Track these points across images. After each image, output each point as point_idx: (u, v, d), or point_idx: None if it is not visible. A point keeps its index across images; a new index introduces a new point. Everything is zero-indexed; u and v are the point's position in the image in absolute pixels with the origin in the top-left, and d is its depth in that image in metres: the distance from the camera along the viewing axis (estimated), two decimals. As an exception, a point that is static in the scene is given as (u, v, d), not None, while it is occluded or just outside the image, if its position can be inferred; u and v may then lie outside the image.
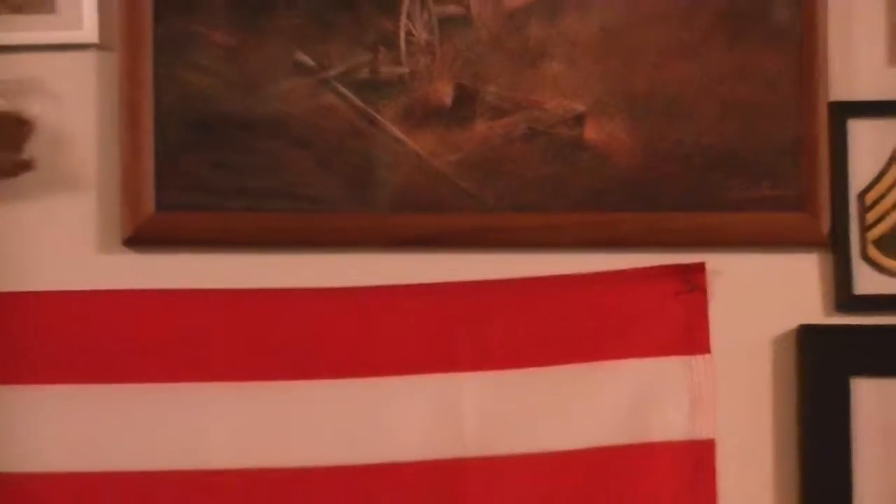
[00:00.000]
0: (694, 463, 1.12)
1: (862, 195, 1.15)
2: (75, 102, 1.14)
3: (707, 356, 1.13)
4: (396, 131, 1.11)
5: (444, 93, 1.12)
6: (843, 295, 1.14)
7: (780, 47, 1.13)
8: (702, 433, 1.12)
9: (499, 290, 1.13)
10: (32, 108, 1.11)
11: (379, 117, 1.11)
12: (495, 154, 1.12)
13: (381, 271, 1.13)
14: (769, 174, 1.13)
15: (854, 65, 1.16)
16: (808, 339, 1.14)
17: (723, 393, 1.13)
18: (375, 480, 1.12)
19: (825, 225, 1.13)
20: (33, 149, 1.11)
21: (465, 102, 1.12)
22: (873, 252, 1.14)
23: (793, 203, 1.13)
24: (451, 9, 1.12)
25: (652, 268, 1.13)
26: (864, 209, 1.14)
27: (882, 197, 1.14)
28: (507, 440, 1.11)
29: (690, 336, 1.13)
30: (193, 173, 1.11)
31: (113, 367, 1.12)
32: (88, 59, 1.15)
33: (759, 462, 1.16)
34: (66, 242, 1.15)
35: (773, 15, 1.13)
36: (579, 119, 1.12)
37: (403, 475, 1.12)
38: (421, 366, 1.13)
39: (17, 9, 1.12)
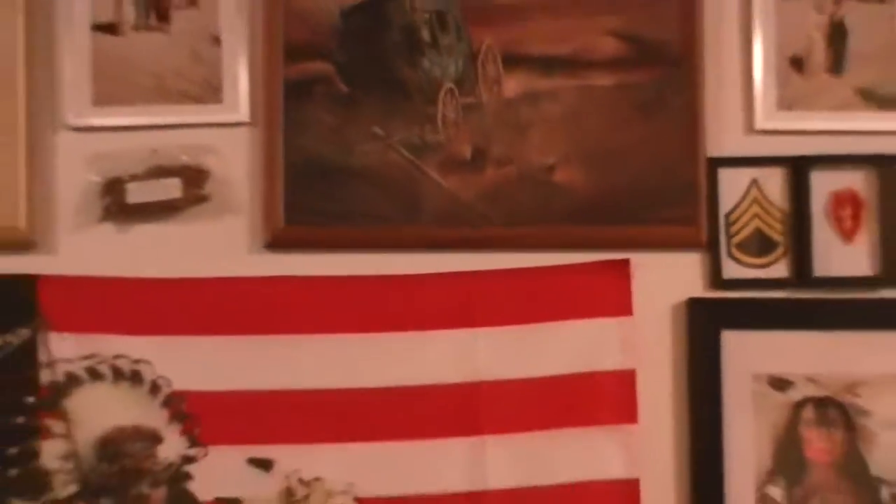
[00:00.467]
0: (622, 383, 1.69)
1: (728, 215, 1.72)
2: (235, 159, 1.72)
3: (630, 317, 1.71)
4: (435, 175, 1.71)
5: (466, 151, 1.72)
6: (716, 279, 1.71)
7: (675, 123, 1.70)
8: (627, 365, 1.70)
9: (500, 277, 1.71)
10: (208, 162, 1.72)
11: (424, 167, 1.71)
12: (498, 190, 1.71)
13: (424, 265, 1.71)
14: (669, 203, 1.69)
15: (722, 134, 1.74)
16: (694, 307, 1.71)
17: (640, 341, 1.71)
18: (419, 396, 1.70)
19: (704, 235, 1.70)
20: (209, 188, 1.71)
21: (479, 157, 1.71)
22: (735, 252, 1.72)
23: (685, 221, 1.70)
24: (469, 100, 1.73)
25: (597, 262, 1.71)
26: (729, 224, 1.72)
27: (740, 217, 1.72)
28: (506, 369, 1.71)
29: (620, 304, 1.70)
30: (309, 202, 1.69)
31: (256, 324, 1.70)
32: (243, 132, 1.72)
33: (663, 385, 1.73)
34: (228, 247, 1.72)
35: (669, 102, 1.70)
36: (551, 168, 1.71)
37: (438, 392, 1.71)
38: (449, 323, 1.71)
39: (198, 100, 1.72)
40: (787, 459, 1.72)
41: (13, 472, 1.69)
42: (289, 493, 1.70)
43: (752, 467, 1.72)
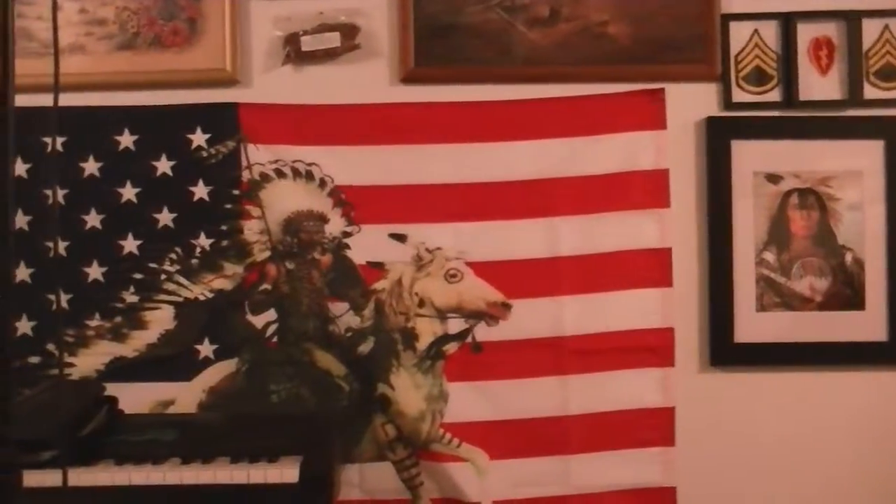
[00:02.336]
0: (658, 179, 2.27)
1: (736, 56, 2.29)
2: (379, 19, 2.30)
3: (664, 130, 2.28)
4: (522, 29, 2.28)
5: (544, 11, 2.28)
6: (727, 103, 2.30)
7: None
8: (661, 165, 2.29)
9: (568, 101, 2.28)
10: (359, 21, 2.29)
11: (514, 22, 2.28)
12: (567, 39, 2.28)
13: (514, 94, 2.28)
14: (693, 47, 2.27)
15: None
16: (711, 123, 2.29)
17: (672, 148, 2.29)
18: (510, 188, 2.28)
19: (718, 70, 2.28)
20: (359, 39, 2.28)
21: (554, 16, 2.28)
22: (741, 83, 2.30)
23: (705, 60, 2.27)
24: None
25: (640, 90, 2.28)
26: (737, 63, 2.29)
27: (745, 57, 2.29)
28: (572, 168, 2.28)
29: (657, 121, 2.28)
30: (432, 49, 2.27)
31: (393, 137, 2.27)
32: (382, 0, 2.29)
33: (688, 180, 2.30)
34: (373, 82, 2.31)
35: None
36: (604, 23, 2.28)
37: (522, 186, 2.28)
38: (532, 135, 2.28)
39: None
40: (778, 233, 2.31)
41: (225, 242, 2.32)
42: (418, 258, 2.31)
43: (753, 239, 2.31)
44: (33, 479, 1.56)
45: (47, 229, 2.24)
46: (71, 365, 2.30)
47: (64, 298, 2.29)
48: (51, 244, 2.24)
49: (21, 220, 2.24)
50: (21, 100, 1.19)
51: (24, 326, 2.28)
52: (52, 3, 1.38)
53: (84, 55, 2.30)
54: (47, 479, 1.53)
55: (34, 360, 2.30)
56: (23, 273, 2.26)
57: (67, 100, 2.02)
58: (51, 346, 2.28)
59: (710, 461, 2.32)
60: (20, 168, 2.25)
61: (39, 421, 1.84)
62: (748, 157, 2.30)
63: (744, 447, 2.33)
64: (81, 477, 1.90)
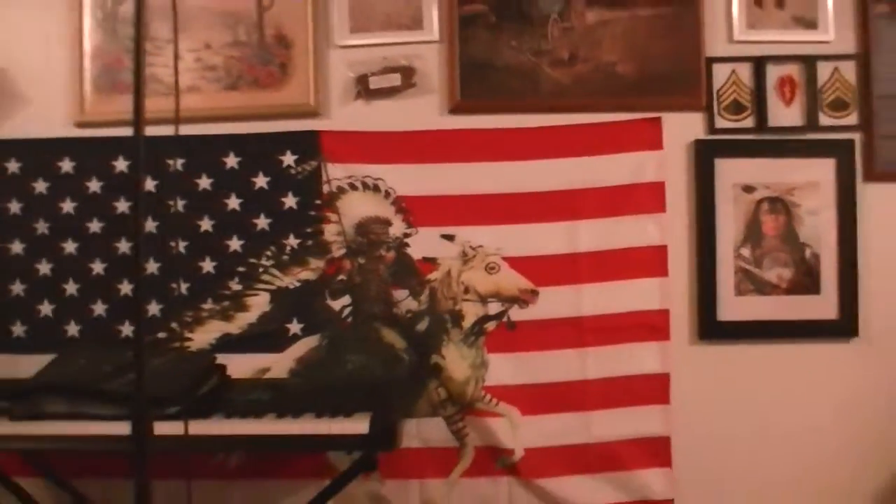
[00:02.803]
0: (656, 190, 2.70)
1: (718, 91, 2.72)
2: (431, 61, 2.73)
3: (661, 150, 2.72)
4: (547, 69, 2.73)
5: (564, 55, 2.73)
6: (711, 128, 2.73)
7: (687, 37, 2.71)
8: (659, 178, 2.71)
9: (583, 128, 2.70)
10: (415, 63, 2.74)
11: (541, 64, 2.74)
12: (583, 77, 2.72)
13: (542, 121, 2.71)
14: (684, 84, 2.71)
15: (715, 43, 2.73)
16: (699, 144, 2.73)
17: (667, 164, 2.71)
18: (536, 198, 2.70)
19: (704, 102, 2.72)
20: (416, 79, 2.73)
21: (572, 58, 2.73)
22: (722, 112, 2.73)
23: (693, 94, 2.71)
24: (566, 24, 2.74)
25: (641, 119, 2.71)
26: (719, 96, 2.73)
27: (725, 92, 2.72)
28: (588, 179, 2.71)
29: (655, 143, 2.71)
30: (474, 85, 2.73)
31: (444, 156, 2.70)
32: (435, 46, 2.74)
33: (680, 190, 2.71)
34: (427, 113, 2.73)
35: (683, 25, 2.70)
36: (614, 63, 2.72)
37: (548, 196, 2.71)
38: (556, 154, 2.70)
39: (409, 27, 2.79)
40: (752, 232, 2.75)
41: (310, 242, 2.77)
42: (463, 254, 2.75)
43: (732, 237, 2.75)
44: (161, 428, 1.85)
45: (170, 232, 2.71)
46: (189, 340, 2.74)
47: (183, 287, 2.73)
48: (173, 244, 2.71)
49: (150, 225, 2.70)
50: (150, 130, 1.57)
51: (153, 309, 2.72)
52: (174, 54, 1.82)
53: (199, 94, 2.77)
54: (172, 428, 1.91)
55: (161, 335, 2.74)
56: (151, 267, 2.70)
57: (186, 129, 2.45)
58: (174, 325, 2.72)
59: (698, 416, 2.73)
60: (149, 184, 2.71)
61: (166, 383, 2.29)
62: (728, 172, 2.73)
63: (726, 404, 2.74)
64: (198, 427, 2.14)
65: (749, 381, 2.78)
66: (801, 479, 2.76)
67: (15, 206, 2.84)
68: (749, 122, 2.76)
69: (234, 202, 2.77)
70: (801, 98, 2.76)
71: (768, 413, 2.77)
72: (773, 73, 2.76)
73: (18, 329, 2.83)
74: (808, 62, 2.76)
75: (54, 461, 2.69)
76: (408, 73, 2.76)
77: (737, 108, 2.77)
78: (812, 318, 2.75)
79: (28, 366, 2.60)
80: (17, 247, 2.84)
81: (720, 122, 2.77)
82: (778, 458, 2.77)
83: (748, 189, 2.76)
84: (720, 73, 2.76)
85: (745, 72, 2.76)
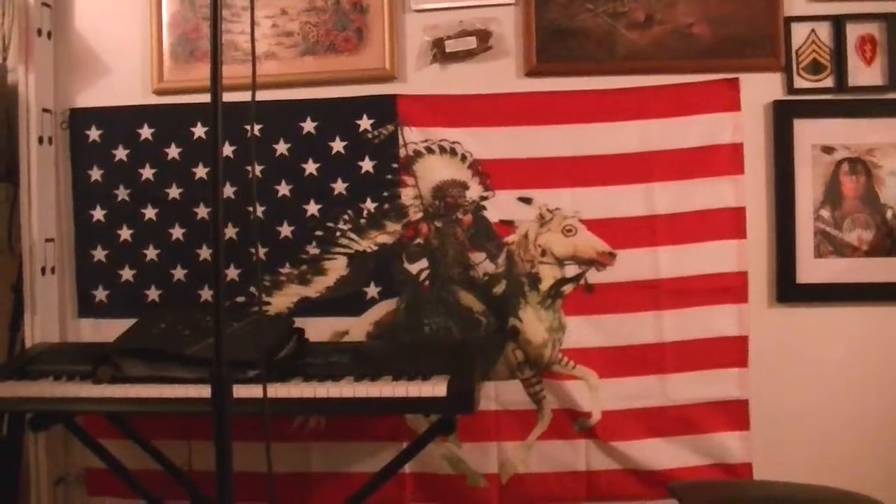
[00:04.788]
0: (734, 152, 2.58)
1: (797, 50, 2.61)
2: (507, 25, 2.63)
3: (739, 112, 2.59)
4: (623, 31, 2.63)
5: (641, 17, 2.61)
6: (790, 88, 2.61)
7: None
8: (737, 140, 2.59)
9: (662, 89, 2.58)
10: (491, 26, 2.63)
11: (617, 26, 2.63)
12: (660, 39, 2.61)
13: (618, 83, 2.60)
14: (763, 44, 2.59)
15: (794, 2, 2.60)
16: (777, 105, 2.60)
17: (745, 125, 2.59)
18: (615, 160, 2.59)
19: (783, 62, 2.59)
20: (492, 42, 2.63)
21: (649, 20, 2.62)
22: (801, 72, 2.60)
23: (772, 54, 2.59)
24: None
25: (719, 79, 2.58)
26: (798, 56, 2.61)
27: (804, 51, 2.60)
28: (666, 142, 2.58)
29: (733, 104, 2.58)
30: (550, 49, 2.63)
31: (521, 119, 2.60)
32: (512, 9, 2.62)
33: (758, 152, 2.59)
34: (503, 76, 2.64)
35: None
36: (690, 25, 2.61)
37: (626, 158, 2.60)
38: (634, 116, 2.59)
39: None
40: (832, 194, 2.62)
41: (387, 205, 2.69)
42: (541, 217, 2.66)
43: (811, 199, 2.62)
44: (241, 391, 1.88)
45: (248, 197, 2.64)
46: (268, 304, 2.68)
47: (262, 251, 2.66)
48: (251, 209, 2.64)
49: (228, 191, 2.64)
50: (228, 96, 1.51)
51: (232, 273, 2.67)
52: (251, 20, 1.74)
53: (276, 60, 2.69)
54: (252, 391, 1.89)
55: (240, 300, 2.68)
56: (230, 232, 2.65)
57: (263, 95, 2.43)
58: (252, 289, 2.66)
59: (776, 379, 2.61)
60: (227, 150, 2.64)
61: (245, 347, 2.23)
62: (807, 133, 2.60)
63: (804, 367, 2.62)
64: (277, 390, 2.15)
65: (828, 345, 2.64)
66: (880, 442, 2.63)
67: (96, 174, 2.78)
68: (828, 82, 2.63)
69: (311, 167, 2.69)
70: (881, 57, 2.61)
71: (847, 376, 2.64)
72: (853, 31, 2.61)
73: (101, 294, 2.77)
74: (889, 20, 2.61)
75: (137, 423, 2.62)
76: (483, 36, 2.65)
77: (816, 67, 2.63)
78: (892, 280, 2.61)
79: (110, 330, 2.58)
80: (98, 213, 2.76)
81: (799, 83, 2.63)
82: (856, 422, 2.64)
83: (827, 150, 2.62)
84: (798, 32, 2.62)
85: (824, 31, 2.62)
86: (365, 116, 2.66)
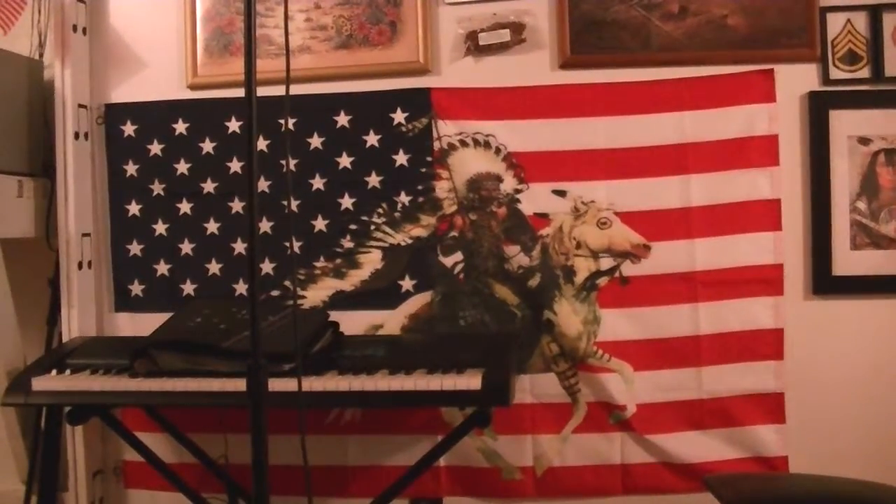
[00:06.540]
0: (769, 143, 2.47)
1: (832, 41, 2.50)
2: (541, 17, 2.53)
3: (774, 103, 2.48)
4: (658, 23, 2.53)
5: (675, 8, 2.52)
6: (826, 79, 2.50)
7: None
8: (772, 131, 2.49)
9: (697, 80, 2.48)
10: (525, 19, 2.54)
11: (651, 18, 2.53)
12: (694, 30, 2.51)
13: (653, 75, 2.50)
14: (798, 35, 2.48)
15: None
16: (813, 96, 2.50)
17: (781, 117, 2.48)
18: (651, 152, 2.49)
19: (818, 52, 2.49)
20: (525, 34, 2.53)
21: (683, 11, 2.52)
22: (837, 63, 2.50)
23: (807, 45, 2.49)
24: None
25: (754, 70, 2.48)
26: (833, 46, 2.51)
27: (840, 42, 2.50)
28: (702, 133, 2.48)
29: (768, 95, 2.48)
30: (585, 40, 2.53)
31: (555, 112, 2.50)
32: (544, 2, 2.53)
33: (794, 143, 2.49)
34: (537, 69, 2.54)
35: None
36: (725, 16, 2.51)
37: (662, 150, 2.49)
38: (669, 108, 2.49)
39: None
40: (868, 185, 2.51)
41: (421, 199, 2.59)
42: (575, 210, 2.56)
43: (847, 190, 2.51)
44: (277, 384, 1.82)
45: (283, 191, 2.55)
46: (303, 297, 2.59)
47: (296, 245, 2.57)
48: (285, 203, 2.55)
49: (263, 185, 2.55)
50: (262, 90, 1.47)
51: (267, 267, 2.58)
52: (285, 15, 1.65)
53: (310, 54, 2.60)
54: (287, 385, 1.83)
55: (275, 293, 2.60)
56: (265, 226, 2.56)
57: (297, 89, 2.34)
58: (287, 283, 2.57)
59: (812, 372, 2.51)
60: (262, 144, 2.56)
61: (281, 340, 2.14)
62: (843, 123, 2.49)
63: (840, 360, 2.51)
64: (313, 384, 2.09)
65: (864, 337, 2.53)
66: (917, 435, 2.52)
67: (132, 168, 2.70)
68: (865, 73, 2.51)
69: (345, 160, 2.60)
70: (919, 46, 2.51)
71: (884, 369, 2.52)
72: (890, 20, 2.49)
73: (136, 288, 2.69)
74: (927, 9, 2.50)
75: (173, 416, 2.53)
76: (517, 28, 2.55)
77: (852, 58, 2.51)
78: (930, 271, 2.51)
79: (146, 324, 2.51)
80: (133, 207, 2.68)
81: (835, 73, 2.52)
82: (893, 415, 2.51)
83: (864, 141, 2.51)
84: (834, 22, 2.51)
85: (860, 21, 2.51)
86: (399, 110, 2.57)
